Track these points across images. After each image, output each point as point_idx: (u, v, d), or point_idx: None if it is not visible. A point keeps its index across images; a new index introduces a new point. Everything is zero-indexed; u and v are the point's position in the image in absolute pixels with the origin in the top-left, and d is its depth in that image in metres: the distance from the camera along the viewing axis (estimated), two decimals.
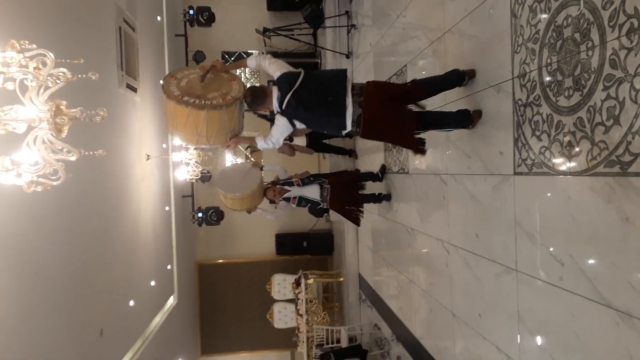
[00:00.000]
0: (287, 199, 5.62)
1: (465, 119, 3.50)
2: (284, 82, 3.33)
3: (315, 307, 8.40)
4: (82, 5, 4.39)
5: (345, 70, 3.46)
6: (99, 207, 4.72)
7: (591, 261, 2.41)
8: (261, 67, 3.53)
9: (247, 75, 10.84)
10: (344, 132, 3.45)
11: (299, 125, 3.43)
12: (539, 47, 2.77)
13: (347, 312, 8.67)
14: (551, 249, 2.71)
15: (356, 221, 5.88)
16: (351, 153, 7.81)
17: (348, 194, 5.73)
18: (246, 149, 11.52)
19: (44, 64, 2.14)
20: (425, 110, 4.13)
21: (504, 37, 3.12)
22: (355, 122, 3.33)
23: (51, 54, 2.14)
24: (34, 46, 2.15)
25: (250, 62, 3.54)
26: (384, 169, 6.01)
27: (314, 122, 3.47)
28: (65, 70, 2.22)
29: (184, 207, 9.20)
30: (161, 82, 3.38)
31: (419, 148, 3.58)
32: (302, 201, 5.63)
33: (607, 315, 2.28)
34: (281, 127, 3.43)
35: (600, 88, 2.29)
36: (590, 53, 2.36)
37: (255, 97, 3.41)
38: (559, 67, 2.60)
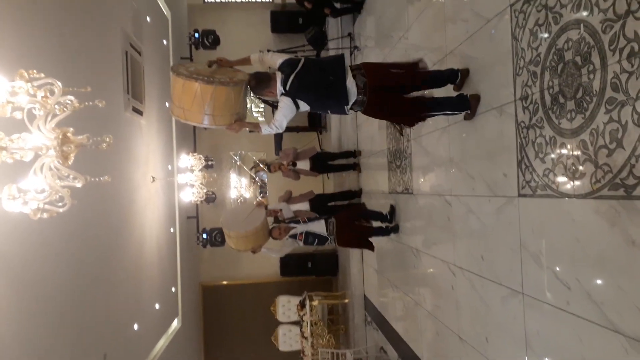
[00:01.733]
0: (294, 236, 5.59)
1: (463, 103, 3.59)
2: (287, 66, 3.47)
3: (320, 330, 8.33)
4: (89, 31, 4.47)
5: (343, 55, 3.60)
6: (104, 230, 4.73)
7: (598, 285, 2.39)
8: (264, 61, 3.66)
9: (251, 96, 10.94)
10: (347, 108, 3.53)
11: (303, 106, 3.51)
12: (541, 69, 2.79)
13: (353, 334, 8.58)
14: (557, 272, 2.69)
15: (370, 247, 5.86)
16: (355, 167, 7.83)
17: (355, 229, 5.71)
18: (251, 169, 11.60)
19: (52, 93, 2.17)
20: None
21: (505, 60, 3.15)
22: (361, 89, 3.45)
23: (59, 83, 2.18)
24: (42, 75, 2.19)
25: (254, 56, 3.68)
26: (393, 211, 5.83)
27: (317, 99, 3.55)
28: (72, 98, 2.25)
29: (189, 228, 9.20)
30: (171, 71, 3.50)
31: (415, 123, 3.77)
32: (309, 237, 5.58)
33: (615, 340, 2.25)
34: (285, 107, 3.49)
35: (603, 111, 2.30)
36: (591, 76, 2.37)
37: (260, 81, 3.54)
38: (560, 89, 2.62)
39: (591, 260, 2.42)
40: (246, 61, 3.72)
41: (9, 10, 3.02)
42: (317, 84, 3.46)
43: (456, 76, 3.68)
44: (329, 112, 3.80)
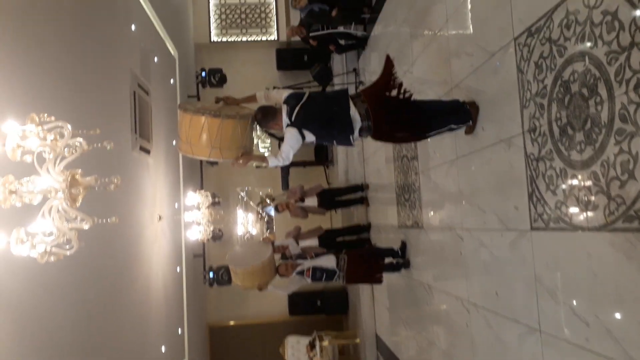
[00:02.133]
0: (301, 272, 5.51)
1: (464, 113, 3.63)
2: (292, 98, 3.57)
3: None
4: (99, 73, 4.56)
5: (346, 89, 3.68)
6: (111, 271, 4.69)
7: (617, 321, 2.31)
8: (269, 97, 3.75)
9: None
10: (352, 138, 3.58)
11: (309, 136, 3.56)
12: (548, 101, 2.79)
13: None
14: (575, 308, 2.61)
15: (378, 281, 5.77)
16: (362, 201, 7.79)
17: (366, 268, 5.63)
18: (258, 204, 11.58)
19: (62, 136, 2.19)
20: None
21: (511, 92, 3.16)
22: (364, 115, 3.52)
23: (69, 126, 2.20)
24: (53, 118, 2.22)
25: (259, 94, 3.78)
26: (404, 246, 5.74)
27: (322, 129, 3.59)
28: (81, 140, 2.27)
29: (196, 267, 9.13)
30: (178, 109, 3.60)
31: (422, 139, 3.86)
32: (316, 272, 5.48)
33: None
34: (291, 138, 3.54)
35: (613, 142, 2.27)
36: (599, 107, 2.36)
37: (266, 114, 3.62)
38: (569, 121, 2.61)
39: (609, 295, 2.35)
40: (252, 99, 3.81)
41: (20, 55, 3.09)
42: (322, 114, 3.53)
43: (462, 109, 3.71)
44: (334, 142, 3.85)
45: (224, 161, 3.69)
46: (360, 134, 3.61)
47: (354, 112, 3.51)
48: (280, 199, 8.16)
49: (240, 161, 3.60)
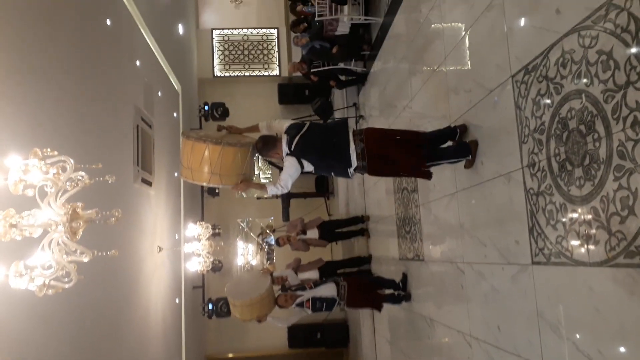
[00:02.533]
0: (301, 304, 5.46)
1: (464, 149, 3.68)
2: (292, 128, 3.67)
3: None
4: (102, 108, 4.62)
5: (346, 119, 3.76)
6: (110, 303, 4.65)
7: (621, 356, 2.28)
8: (271, 127, 3.84)
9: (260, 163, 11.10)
10: (350, 171, 3.65)
11: (307, 166, 3.63)
12: (546, 137, 2.81)
13: None
14: (578, 343, 2.58)
15: (379, 308, 5.71)
16: (363, 232, 7.77)
17: (366, 294, 5.59)
18: (258, 235, 11.54)
19: (64, 170, 2.21)
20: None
21: (510, 128, 3.19)
22: (360, 155, 3.59)
23: (71, 160, 2.22)
24: (56, 153, 2.24)
25: (262, 124, 3.86)
26: (405, 279, 5.70)
27: (320, 159, 3.66)
28: (83, 174, 2.29)
29: (195, 298, 9.02)
30: (181, 136, 3.71)
31: (425, 172, 3.83)
32: (316, 303, 5.44)
33: None
34: (290, 167, 3.61)
35: (612, 178, 2.29)
36: (597, 144, 2.39)
37: (266, 143, 3.71)
38: (567, 157, 2.63)
39: (613, 331, 2.32)
40: (254, 128, 3.90)
41: (24, 89, 3.14)
42: (321, 145, 3.62)
43: (455, 133, 3.82)
44: (332, 174, 3.89)
45: (223, 187, 3.78)
46: (356, 170, 3.68)
47: (352, 150, 3.59)
48: (280, 233, 8.13)
49: (240, 187, 3.68)
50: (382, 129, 3.94)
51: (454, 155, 3.76)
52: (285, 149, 3.64)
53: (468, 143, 3.69)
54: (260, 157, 3.95)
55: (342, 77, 8.01)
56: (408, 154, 3.75)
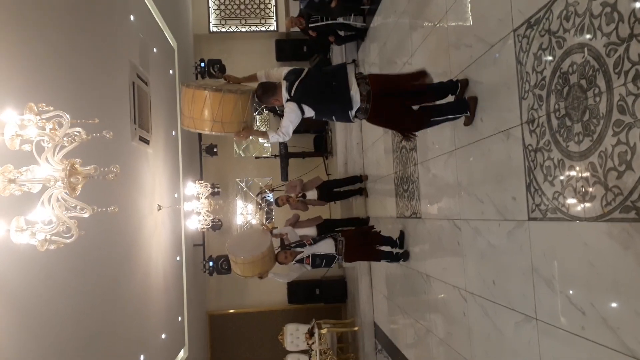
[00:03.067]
0: (301, 261, 5.54)
1: (462, 105, 3.68)
2: (291, 74, 3.67)
3: (329, 359, 8.17)
4: (97, 63, 4.54)
5: (345, 64, 3.76)
6: (111, 260, 4.71)
7: (613, 310, 2.34)
8: (270, 76, 3.83)
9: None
10: (351, 114, 3.62)
11: (308, 111, 3.63)
12: (546, 93, 2.79)
13: None
14: (571, 297, 2.64)
15: (378, 258, 5.80)
16: (361, 192, 7.81)
17: (364, 248, 5.66)
18: (257, 195, 11.60)
19: (60, 125, 2.20)
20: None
21: (510, 84, 3.16)
22: (364, 97, 3.56)
23: (67, 115, 2.20)
24: (51, 108, 2.22)
25: (260, 73, 3.87)
26: (402, 236, 5.78)
27: (321, 102, 3.65)
28: (80, 129, 2.28)
29: (195, 256, 9.16)
30: (181, 85, 3.74)
31: (412, 135, 3.90)
32: (316, 259, 5.52)
33: None
34: (290, 112, 3.62)
35: (610, 133, 2.28)
36: (597, 99, 2.37)
37: (266, 89, 3.71)
38: (567, 112, 2.61)
39: (606, 285, 2.37)
40: (253, 78, 3.91)
41: (18, 45, 3.08)
42: (321, 88, 3.61)
43: (456, 87, 3.78)
44: (333, 118, 3.85)
45: (226, 134, 3.81)
46: (356, 114, 3.64)
47: (354, 91, 3.55)
48: (279, 193, 8.17)
49: (242, 135, 3.70)
50: (387, 74, 3.90)
51: (453, 110, 3.74)
52: (285, 94, 3.64)
53: (467, 99, 3.67)
54: (260, 104, 3.95)
55: (341, 33, 7.85)
56: (407, 113, 3.72)
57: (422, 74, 3.81)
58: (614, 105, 2.25)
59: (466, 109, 3.67)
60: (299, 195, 7.28)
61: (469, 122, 3.73)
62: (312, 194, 7.40)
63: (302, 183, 7.50)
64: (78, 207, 2.29)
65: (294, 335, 9.21)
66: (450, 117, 3.78)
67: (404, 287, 6.00)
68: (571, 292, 2.64)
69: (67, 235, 2.29)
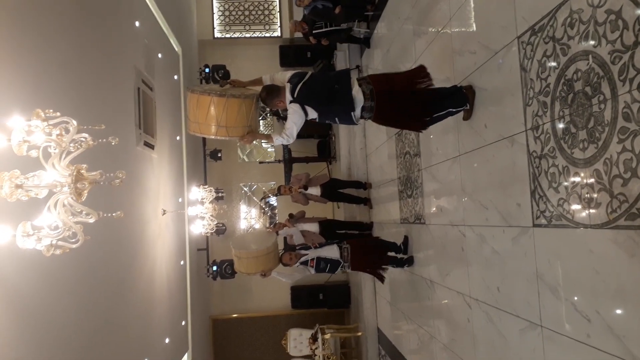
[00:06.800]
0: (305, 263, 5.53)
1: (461, 98, 3.72)
2: (295, 77, 3.70)
3: None
4: (103, 69, 4.57)
5: (348, 69, 3.78)
6: (116, 265, 4.73)
7: (619, 317, 2.33)
8: (274, 79, 3.86)
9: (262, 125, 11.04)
10: (354, 115, 3.64)
11: (311, 113, 3.67)
12: (551, 100, 2.79)
13: None
14: (576, 304, 2.63)
15: (381, 278, 5.76)
16: (366, 202, 7.80)
17: (370, 256, 5.64)
18: (261, 199, 11.62)
19: (67, 131, 2.21)
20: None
21: (514, 90, 3.16)
22: (368, 95, 3.58)
23: (74, 121, 2.22)
24: (58, 114, 2.24)
25: (265, 77, 3.91)
26: (406, 241, 5.77)
27: (323, 104, 3.68)
28: (86, 135, 2.29)
29: (199, 260, 9.17)
30: (186, 90, 3.76)
31: (423, 128, 3.85)
32: (320, 263, 5.50)
33: None
34: (294, 114, 3.66)
35: (615, 141, 2.28)
36: (602, 106, 2.37)
37: (270, 92, 3.73)
38: (571, 119, 2.61)
39: (611, 292, 2.36)
40: (257, 82, 3.95)
41: (26, 51, 3.11)
42: (323, 90, 3.64)
43: (460, 92, 3.79)
44: (337, 120, 3.86)
45: (230, 139, 3.83)
46: (362, 114, 3.67)
47: (356, 92, 3.59)
48: (282, 198, 8.18)
49: (246, 139, 3.73)
50: (386, 72, 3.92)
51: (452, 104, 3.76)
52: (288, 96, 3.67)
53: (465, 92, 3.70)
54: (264, 106, 3.98)
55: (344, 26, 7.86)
56: (411, 110, 3.74)
57: (421, 69, 3.81)
58: (619, 113, 2.25)
59: (465, 102, 3.71)
60: (301, 187, 7.28)
61: (468, 116, 3.75)
62: (315, 191, 7.39)
63: (308, 177, 7.50)
64: (84, 212, 2.30)
65: (297, 341, 9.20)
66: (452, 110, 3.80)
67: (408, 293, 5.98)
68: (576, 299, 2.63)
69: (73, 240, 2.30)
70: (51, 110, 2.24)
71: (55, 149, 2.20)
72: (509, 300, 3.37)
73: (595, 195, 2.44)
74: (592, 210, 2.47)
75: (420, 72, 3.76)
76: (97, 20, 4.50)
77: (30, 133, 2.20)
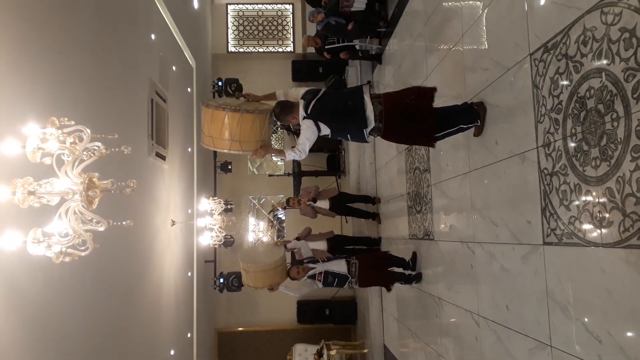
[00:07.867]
0: (313, 277, 5.51)
1: (472, 115, 3.71)
2: (309, 93, 3.74)
3: None
4: (118, 80, 4.64)
5: (361, 86, 3.83)
6: (124, 273, 4.74)
7: (631, 339, 2.28)
8: (288, 95, 3.90)
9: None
10: (366, 132, 3.66)
11: (324, 129, 3.69)
12: (563, 117, 2.78)
13: None
14: (587, 324, 2.58)
15: (388, 288, 5.73)
16: (374, 217, 7.77)
17: (378, 272, 5.61)
18: (269, 212, 11.63)
19: (81, 139, 2.24)
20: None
21: (526, 107, 3.16)
22: (377, 116, 3.61)
23: (88, 130, 2.24)
24: (72, 122, 2.26)
25: (279, 92, 3.95)
26: (415, 258, 5.72)
27: (336, 121, 3.70)
28: (99, 144, 2.31)
29: (206, 272, 9.16)
30: (201, 104, 3.80)
31: (433, 143, 3.82)
32: (328, 277, 5.46)
33: None
34: (307, 130, 3.68)
35: (629, 159, 2.26)
36: (615, 124, 2.36)
37: (284, 108, 3.76)
38: (584, 137, 2.60)
39: (624, 313, 2.32)
40: (272, 96, 3.98)
41: (42, 61, 3.16)
42: (337, 107, 3.67)
43: (472, 110, 3.78)
44: (349, 137, 3.87)
45: (244, 153, 3.86)
46: (370, 133, 3.70)
47: (369, 112, 3.60)
48: (291, 212, 8.19)
49: (259, 153, 3.75)
50: (398, 91, 3.91)
51: (463, 121, 3.75)
52: (302, 112, 3.70)
53: (476, 108, 3.70)
54: (278, 122, 4.02)
55: (357, 47, 7.91)
56: (421, 127, 3.74)
57: (433, 90, 3.80)
58: (632, 131, 2.24)
59: (476, 119, 3.71)
60: (310, 200, 7.28)
61: (479, 132, 3.74)
62: (324, 204, 7.38)
63: (317, 190, 7.50)
64: (94, 220, 2.32)
65: (302, 356, 9.10)
66: (463, 127, 3.79)
67: (416, 310, 5.92)
68: (587, 319, 2.59)
69: (83, 247, 2.31)
70: (66, 119, 2.27)
71: (68, 157, 2.22)
72: (519, 319, 3.32)
73: (607, 214, 2.41)
74: (604, 229, 2.44)
75: (432, 91, 3.77)
76: (114, 32, 4.58)
77: (44, 140, 2.23)
